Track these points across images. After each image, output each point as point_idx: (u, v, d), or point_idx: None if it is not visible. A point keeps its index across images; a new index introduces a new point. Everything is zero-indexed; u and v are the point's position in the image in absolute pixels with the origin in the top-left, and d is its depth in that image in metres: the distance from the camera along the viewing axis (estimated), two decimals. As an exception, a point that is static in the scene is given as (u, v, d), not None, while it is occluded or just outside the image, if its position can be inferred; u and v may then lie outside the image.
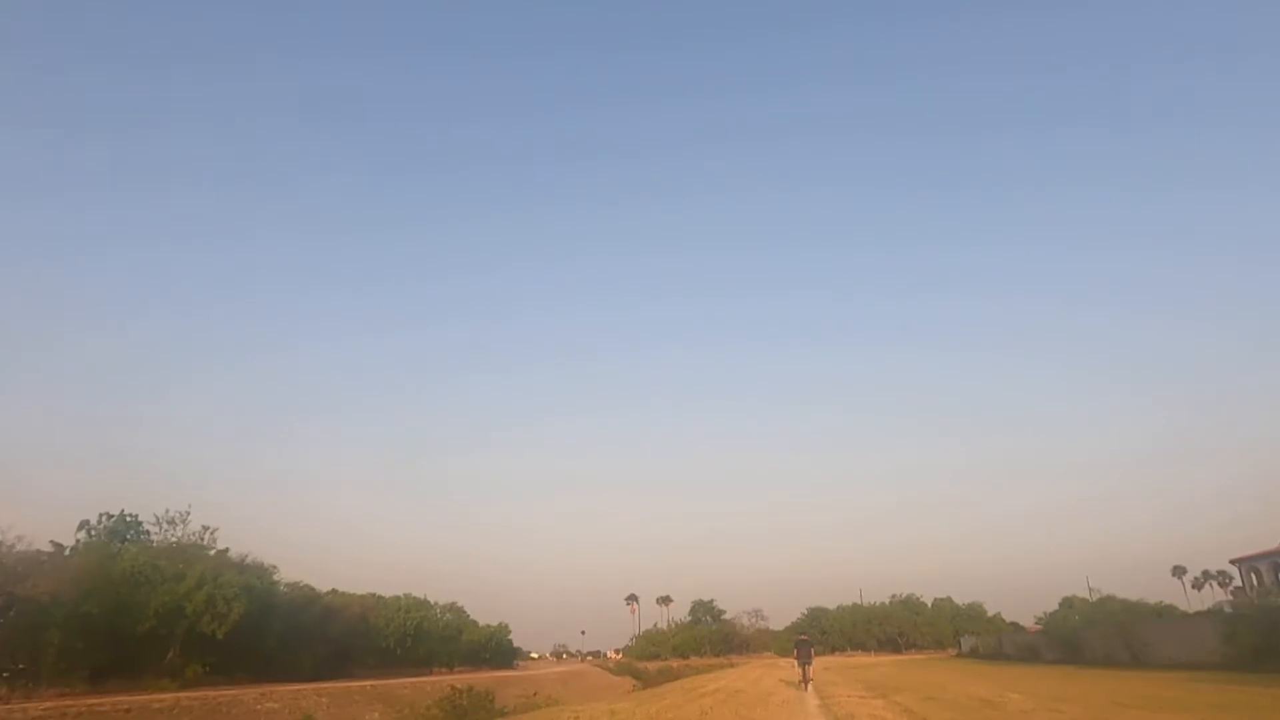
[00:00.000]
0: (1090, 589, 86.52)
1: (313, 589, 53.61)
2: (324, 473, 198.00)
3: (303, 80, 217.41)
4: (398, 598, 67.24)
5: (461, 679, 40.97)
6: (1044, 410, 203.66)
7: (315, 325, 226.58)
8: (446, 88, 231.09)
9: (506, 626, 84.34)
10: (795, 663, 28.65)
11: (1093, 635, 40.98)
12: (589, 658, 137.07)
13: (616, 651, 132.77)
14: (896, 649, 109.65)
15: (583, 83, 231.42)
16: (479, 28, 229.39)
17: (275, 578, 47.43)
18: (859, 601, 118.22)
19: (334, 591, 60.12)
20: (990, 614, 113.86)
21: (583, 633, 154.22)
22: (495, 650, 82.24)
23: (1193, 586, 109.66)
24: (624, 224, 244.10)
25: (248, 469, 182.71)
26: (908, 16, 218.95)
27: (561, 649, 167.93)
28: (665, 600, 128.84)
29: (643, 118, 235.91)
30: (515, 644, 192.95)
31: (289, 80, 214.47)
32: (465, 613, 77.69)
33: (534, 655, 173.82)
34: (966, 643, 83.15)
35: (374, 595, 66.25)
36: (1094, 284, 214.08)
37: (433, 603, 71.27)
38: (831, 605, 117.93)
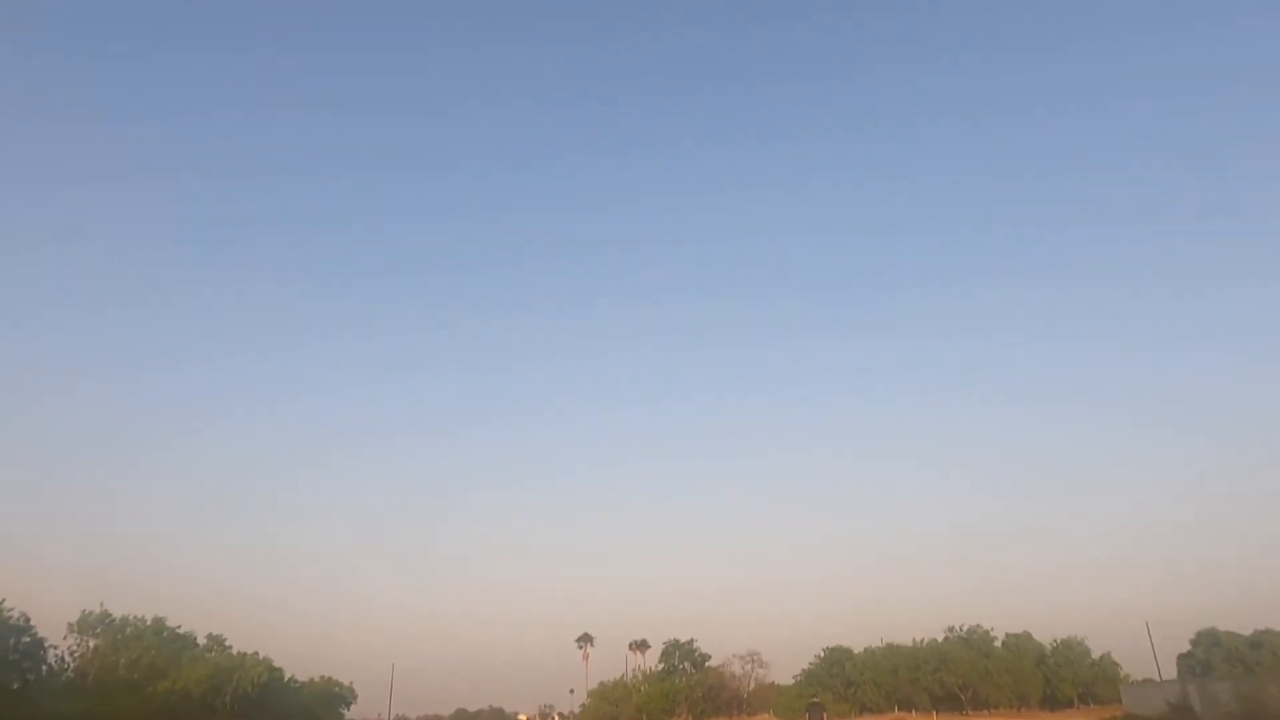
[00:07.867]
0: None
1: None
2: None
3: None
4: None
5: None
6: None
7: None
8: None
9: (268, 662, 50.78)
10: None
11: None
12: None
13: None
14: (958, 707, 74.36)
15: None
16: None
17: None
18: (896, 640, 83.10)
19: None
20: (1095, 655, 78.00)
21: (571, 691, 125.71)
22: (233, 710, 48.00)
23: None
24: (622, 267, 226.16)
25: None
26: None
27: (549, 709, 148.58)
28: (640, 645, 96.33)
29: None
30: (499, 706, 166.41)
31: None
32: (177, 634, 45.73)
33: (522, 717, 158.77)
34: (1137, 696, 52.88)
35: None
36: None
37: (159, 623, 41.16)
38: (857, 647, 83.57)
